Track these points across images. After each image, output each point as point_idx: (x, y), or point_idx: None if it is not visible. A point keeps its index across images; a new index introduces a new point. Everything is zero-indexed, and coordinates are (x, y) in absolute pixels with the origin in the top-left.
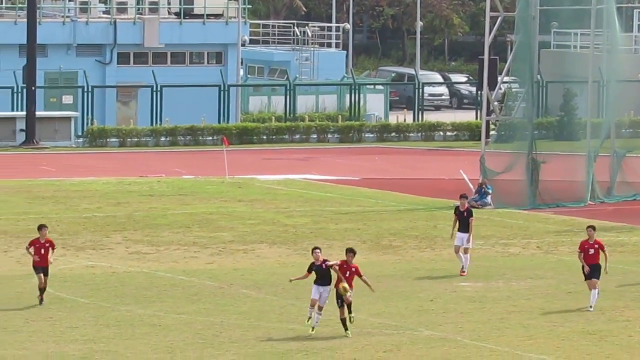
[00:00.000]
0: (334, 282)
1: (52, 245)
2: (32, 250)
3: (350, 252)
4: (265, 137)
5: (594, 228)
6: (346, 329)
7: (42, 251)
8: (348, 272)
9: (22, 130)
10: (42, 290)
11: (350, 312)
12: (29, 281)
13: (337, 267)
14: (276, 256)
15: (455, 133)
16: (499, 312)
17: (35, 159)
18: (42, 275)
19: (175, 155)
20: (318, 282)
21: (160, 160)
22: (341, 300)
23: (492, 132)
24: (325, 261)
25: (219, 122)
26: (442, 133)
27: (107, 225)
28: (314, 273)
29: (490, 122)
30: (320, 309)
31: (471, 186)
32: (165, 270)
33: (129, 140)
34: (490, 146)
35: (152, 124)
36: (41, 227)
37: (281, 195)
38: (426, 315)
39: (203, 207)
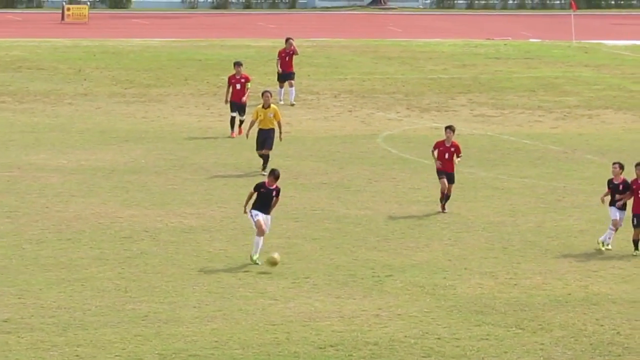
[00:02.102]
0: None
1: (458, 150)
2: (435, 153)
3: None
4: (613, 2)
5: None
6: (636, 248)
7: (446, 155)
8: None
9: None
10: (445, 197)
11: None
12: (372, 141)
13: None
14: (621, 122)
15: None
16: None
17: (382, 19)
18: (444, 180)
19: (522, 18)
20: (614, 204)
21: (506, 22)
22: (637, 219)
23: None
24: (624, 181)
25: None
26: None
27: (452, 87)
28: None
29: None
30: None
31: None
32: (509, 133)
33: (477, 2)
34: None
35: None
36: (448, 128)
37: (628, 61)
38: None
39: (548, 71)
